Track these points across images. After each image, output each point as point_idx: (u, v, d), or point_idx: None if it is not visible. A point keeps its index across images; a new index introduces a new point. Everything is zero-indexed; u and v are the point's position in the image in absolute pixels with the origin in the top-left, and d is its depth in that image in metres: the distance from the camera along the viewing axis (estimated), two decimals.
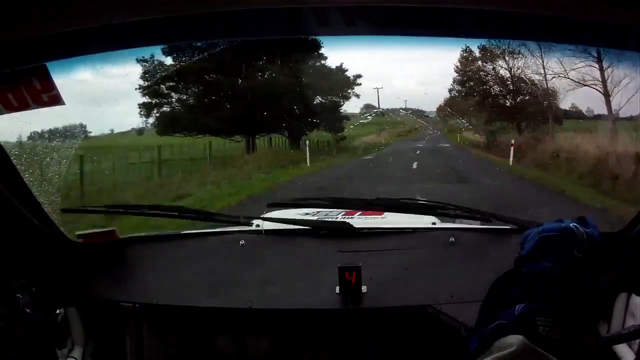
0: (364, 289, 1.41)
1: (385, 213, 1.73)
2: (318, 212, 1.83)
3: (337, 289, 1.41)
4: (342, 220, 1.71)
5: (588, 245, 0.97)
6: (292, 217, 1.84)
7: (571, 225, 0.98)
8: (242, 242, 1.58)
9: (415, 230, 1.59)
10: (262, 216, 1.78)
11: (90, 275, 1.51)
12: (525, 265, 0.99)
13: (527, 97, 11.71)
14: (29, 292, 1.27)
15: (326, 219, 1.74)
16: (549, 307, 0.91)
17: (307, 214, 1.83)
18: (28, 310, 1.24)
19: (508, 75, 11.62)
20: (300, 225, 1.62)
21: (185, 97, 11.78)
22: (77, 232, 1.50)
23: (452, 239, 1.53)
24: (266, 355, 1.62)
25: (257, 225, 1.70)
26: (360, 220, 1.69)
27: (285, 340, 1.61)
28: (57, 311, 1.40)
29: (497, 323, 0.93)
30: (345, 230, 1.59)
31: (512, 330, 0.88)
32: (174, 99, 11.61)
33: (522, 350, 0.82)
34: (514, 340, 0.84)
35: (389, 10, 0.68)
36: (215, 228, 1.77)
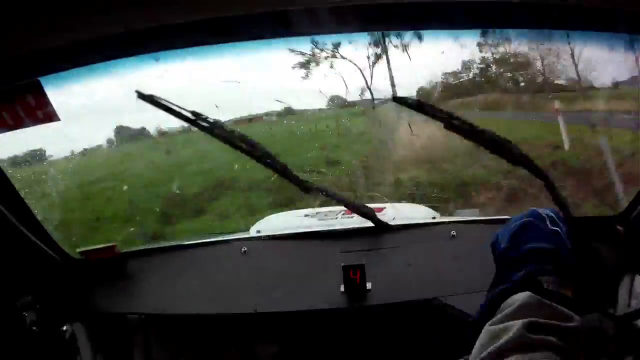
0: (368, 286, 1.41)
1: (385, 210, 1.74)
2: (317, 212, 1.83)
3: (342, 288, 1.41)
4: (342, 220, 1.71)
5: (557, 219, 0.95)
6: (291, 220, 1.85)
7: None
8: (243, 249, 1.58)
9: (416, 225, 1.60)
10: (261, 221, 1.78)
11: (94, 290, 1.50)
12: (510, 254, 0.94)
13: None
14: (34, 310, 1.27)
15: (326, 219, 1.74)
16: (549, 269, 0.87)
17: (306, 215, 1.83)
18: (34, 329, 1.24)
19: None
20: (301, 229, 1.62)
21: None
22: (78, 249, 1.50)
23: (454, 233, 1.54)
24: (275, 358, 1.61)
25: (258, 231, 1.70)
26: (360, 219, 1.69)
27: (293, 343, 1.61)
28: (64, 328, 1.39)
29: (499, 289, 0.89)
30: (346, 231, 1.59)
31: (514, 291, 0.82)
32: None
33: (528, 303, 0.77)
34: (519, 297, 0.79)
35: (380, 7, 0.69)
36: (215, 237, 1.77)
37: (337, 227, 1.61)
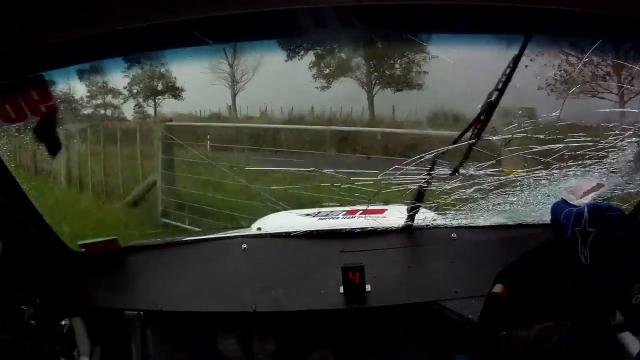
0: (367, 288, 1.41)
1: (387, 212, 1.73)
2: (319, 212, 1.82)
3: (341, 289, 1.41)
4: (343, 220, 1.71)
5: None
6: (292, 219, 1.84)
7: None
8: (244, 246, 1.58)
9: (416, 228, 1.59)
10: (263, 219, 1.77)
11: (93, 285, 1.50)
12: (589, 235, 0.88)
13: None
14: (33, 303, 1.27)
15: (326, 219, 1.74)
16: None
17: (307, 214, 1.82)
18: (33, 322, 1.24)
19: None
20: (302, 229, 1.62)
21: None
22: (79, 242, 1.50)
23: (454, 236, 1.53)
24: (272, 357, 1.61)
25: (259, 229, 1.70)
26: (361, 220, 1.69)
27: (291, 342, 1.61)
28: (63, 322, 1.40)
29: None
30: (347, 231, 1.59)
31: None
32: None
33: None
34: None
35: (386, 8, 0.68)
36: (216, 234, 1.77)
37: (338, 227, 1.61)
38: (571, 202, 0.95)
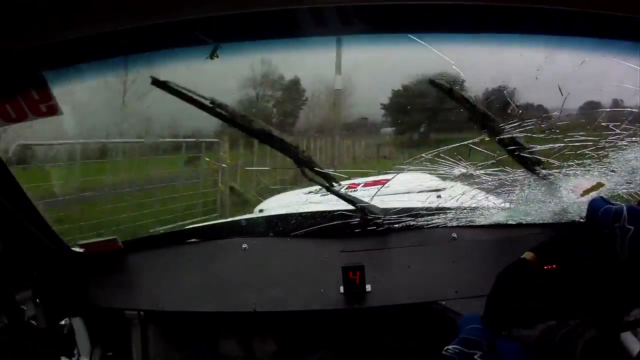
0: (368, 288, 1.41)
1: (389, 182, 1.69)
2: (320, 189, 1.81)
3: (342, 289, 1.41)
4: (346, 194, 1.70)
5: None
6: (294, 198, 1.81)
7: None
8: (244, 246, 1.58)
9: (416, 227, 1.59)
10: (265, 201, 1.75)
11: (93, 285, 1.50)
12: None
13: None
14: (33, 303, 1.27)
15: (329, 194, 1.72)
16: None
17: (310, 192, 1.81)
18: (33, 322, 1.24)
19: None
20: (301, 219, 1.61)
21: None
22: (79, 242, 1.50)
23: (454, 235, 1.53)
24: (273, 358, 1.61)
25: (261, 211, 1.69)
26: (364, 193, 1.67)
27: (291, 342, 1.61)
28: (62, 322, 1.40)
29: None
30: (347, 231, 1.58)
31: None
32: None
33: None
34: None
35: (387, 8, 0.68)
36: (217, 220, 1.76)
37: (339, 226, 1.59)
38: (608, 200, 0.97)
